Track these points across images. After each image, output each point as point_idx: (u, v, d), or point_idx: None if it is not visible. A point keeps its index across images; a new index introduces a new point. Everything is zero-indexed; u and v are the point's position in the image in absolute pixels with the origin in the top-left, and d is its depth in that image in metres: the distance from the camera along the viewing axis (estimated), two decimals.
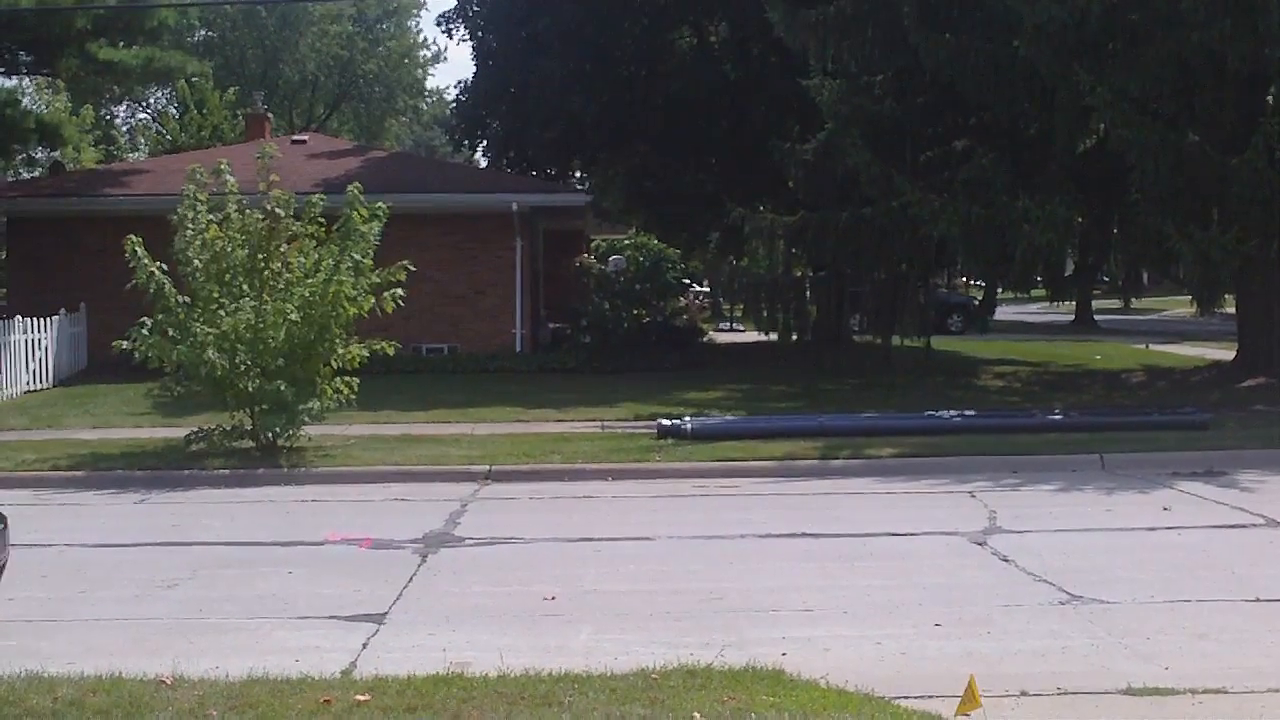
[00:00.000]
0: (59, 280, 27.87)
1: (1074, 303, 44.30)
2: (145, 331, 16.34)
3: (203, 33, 63.53)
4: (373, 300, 16.95)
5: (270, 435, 16.85)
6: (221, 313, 16.25)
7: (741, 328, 44.02)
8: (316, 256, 16.91)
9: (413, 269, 17.53)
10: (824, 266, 29.84)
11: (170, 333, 16.27)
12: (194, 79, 47.22)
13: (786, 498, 14.39)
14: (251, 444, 16.86)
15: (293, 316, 16.29)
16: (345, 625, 9.13)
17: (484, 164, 44.16)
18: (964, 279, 39.64)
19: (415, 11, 73.07)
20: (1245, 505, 13.36)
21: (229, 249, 16.66)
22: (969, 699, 6.96)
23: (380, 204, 17.51)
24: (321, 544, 12.05)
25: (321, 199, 17.66)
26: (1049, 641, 8.48)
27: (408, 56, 72.08)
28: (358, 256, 16.79)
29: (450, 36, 61.96)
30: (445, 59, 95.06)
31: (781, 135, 28.60)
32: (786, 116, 33.25)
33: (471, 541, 12.17)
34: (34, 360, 24.55)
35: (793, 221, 26.17)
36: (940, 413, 19.01)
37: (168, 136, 53.68)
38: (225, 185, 17.14)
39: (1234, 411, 19.46)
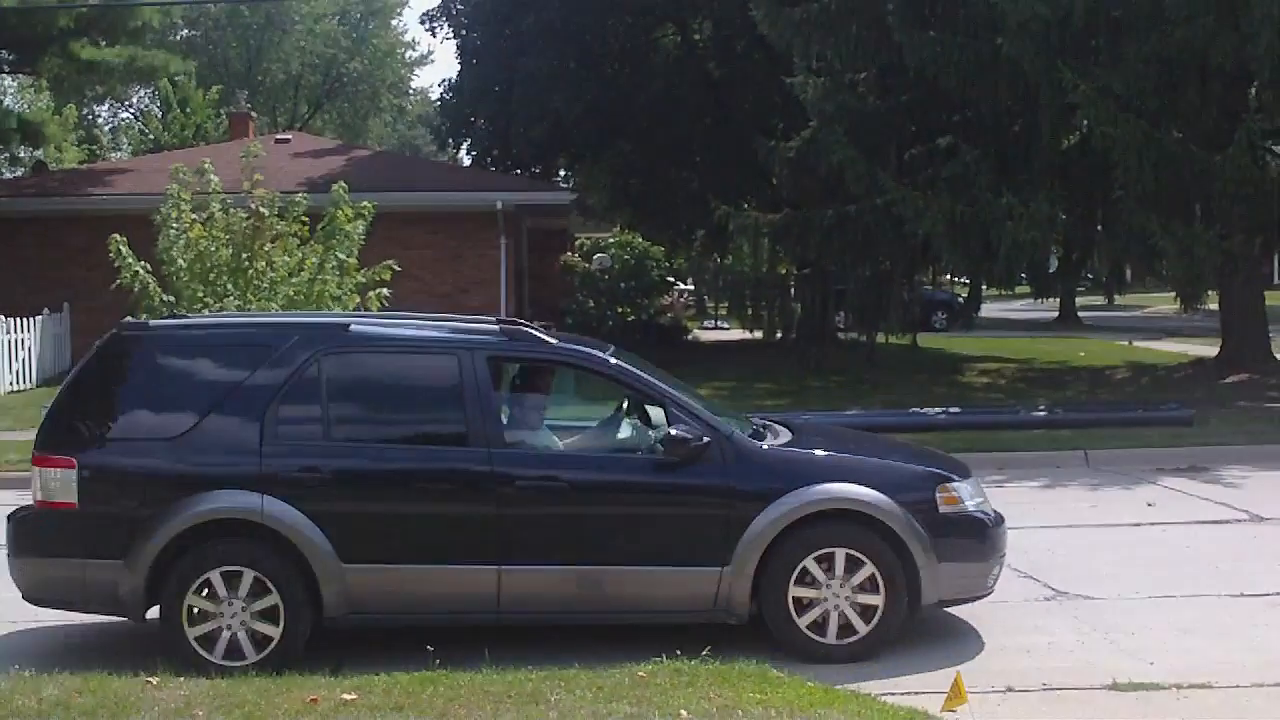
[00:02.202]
0: (42, 280, 27.75)
1: (1058, 300, 44.38)
2: None
3: (186, 32, 63.40)
4: (358, 299, 16.93)
5: None
6: (206, 312, 16.21)
7: (726, 325, 44.01)
8: (301, 256, 16.88)
9: (397, 269, 17.52)
10: (808, 264, 29.81)
11: None
12: (177, 78, 47.17)
13: None
14: None
15: None
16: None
17: (468, 162, 44.13)
18: (948, 276, 39.64)
19: (398, 10, 72.98)
20: (1229, 501, 13.41)
21: (213, 248, 16.61)
22: (955, 695, 7.00)
23: (365, 203, 17.50)
24: None
25: (306, 198, 17.65)
26: (1035, 637, 8.52)
27: (391, 56, 71.94)
28: (342, 256, 16.77)
29: (434, 35, 62.04)
30: (432, 61, 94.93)
31: (766, 133, 28.60)
32: (771, 114, 33.27)
33: None
34: (17, 360, 24.48)
35: (777, 219, 26.15)
36: (925, 410, 19.03)
37: (151, 136, 53.56)
38: (209, 184, 17.10)
39: (1217, 408, 19.52)
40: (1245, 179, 19.76)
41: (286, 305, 16.34)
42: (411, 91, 77.39)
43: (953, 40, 22.31)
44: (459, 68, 39.25)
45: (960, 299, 38.93)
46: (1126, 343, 34.01)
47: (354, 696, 6.89)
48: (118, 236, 16.57)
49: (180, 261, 16.49)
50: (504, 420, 8.44)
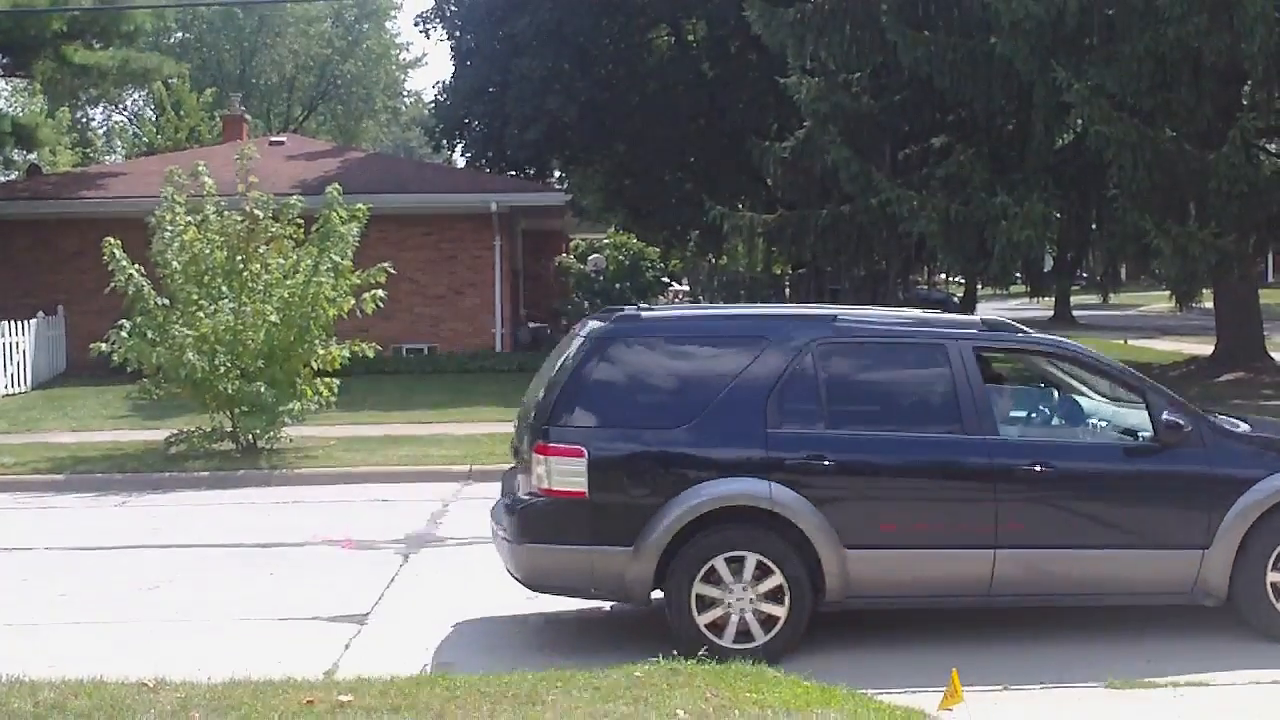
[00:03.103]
0: (36, 283, 27.76)
1: (1053, 299, 44.47)
2: (124, 334, 16.29)
3: (179, 34, 63.29)
4: (352, 301, 16.92)
5: (250, 437, 16.80)
6: (201, 314, 16.20)
7: None
8: (295, 258, 16.88)
9: (392, 271, 17.50)
10: (803, 264, 29.89)
11: (149, 335, 16.21)
12: (171, 81, 47.05)
13: None
14: (232, 446, 16.81)
15: (272, 318, 16.25)
16: (327, 626, 9.12)
17: (462, 164, 44.14)
18: (943, 276, 39.73)
19: (392, 13, 72.90)
20: None
21: (207, 251, 16.61)
22: (952, 693, 7.01)
23: (360, 205, 17.49)
24: (303, 545, 12.02)
25: (300, 200, 17.63)
26: (1031, 635, 8.51)
27: (385, 57, 71.87)
28: (337, 258, 16.75)
29: (428, 37, 61.87)
30: (426, 63, 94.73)
31: (760, 133, 28.62)
32: (765, 114, 33.29)
33: (454, 541, 12.16)
34: (11, 363, 24.43)
35: (772, 220, 26.18)
36: None
37: (144, 139, 53.51)
38: (203, 187, 17.10)
39: (1212, 406, 19.47)
40: (1239, 177, 19.78)
41: (281, 307, 16.35)
42: (405, 93, 77.40)
43: (946, 40, 22.34)
44: (453, 69, 39.30)
45: (955, 298, 38.99)
46: (1122, 341, 34.05)
47: (350, 698, 6.87)
48: (111, 240, 16.56)
49: (174, 264, 16.48)
50: (992, 410, 8.61)
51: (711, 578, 8.04)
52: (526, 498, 8.33)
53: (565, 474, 8.08)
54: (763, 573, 8.04)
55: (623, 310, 8.82)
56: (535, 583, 8.43)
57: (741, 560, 8.04)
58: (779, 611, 8.04)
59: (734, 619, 8.04)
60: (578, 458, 8.07)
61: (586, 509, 8.10)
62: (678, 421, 8.22)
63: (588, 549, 8.10)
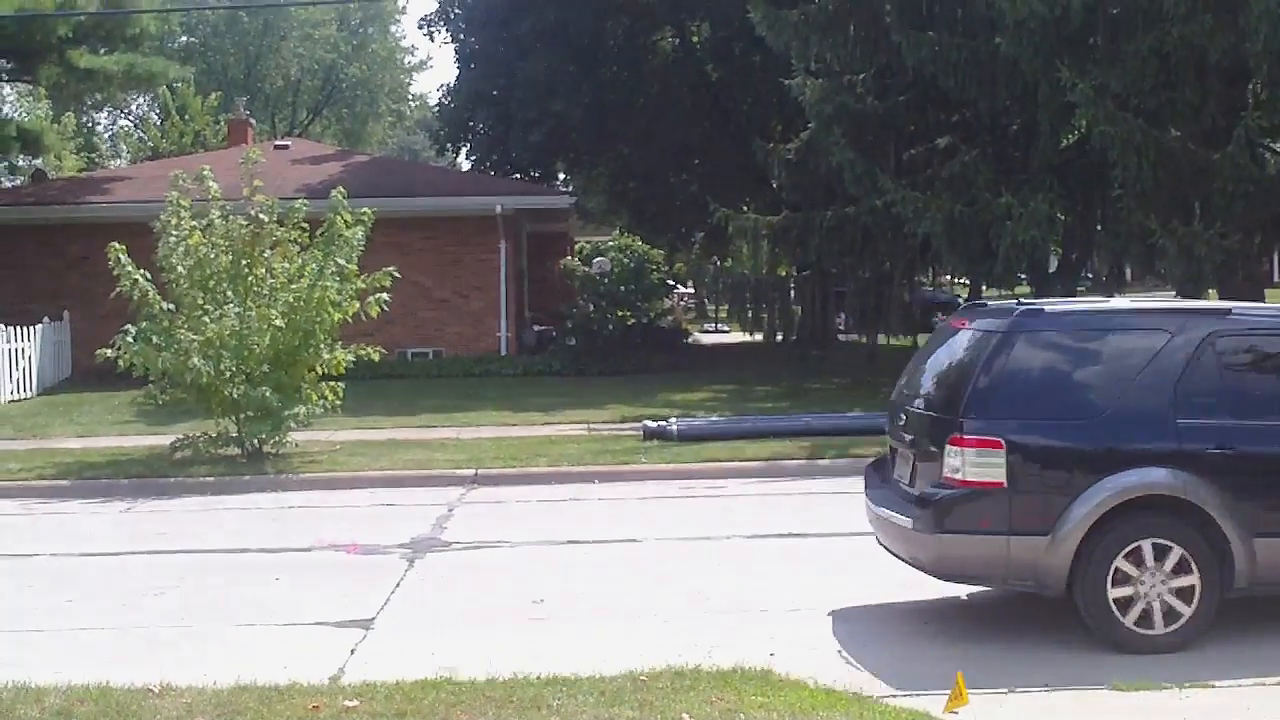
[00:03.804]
0: (42, 289, 27.79)
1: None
2: (129, 339, 16.30)
3: (184, 38, 63.36)
4: (357, 305, 16.92)
5: (256, 442, 16.80)
6: (206, 319, 16.21)
7: (726, 328, 44.04)
8: (300, 262, 16.89)
9: (397, 275, 17.50)
10: (808, 266, 29.80)
11: (154, 340, 16.22)
12: (176, 85, 47.11)
13: (773, 498, 14.40)
14: (237, 451, 16.81)
15: (277, 322, 16.26)
16: (333, 631, 9.12)
17: (467, 167, 44.15)
18: (949, 277, 39.66)
19: (397, 16, 72.94)
20: None
21: (212, 255, 16.62)
22: (957, 696, 7.01)
23: (364, 209, 17.49)
24: (308, 550, 12.03)
25: (305, 204, 17.64)
26: (1036, 638, 8.50)
27: (389, 61, 71.91)
28: (342, 261, 16.77)
29: (432, 39, 61.91)
30: (430, 66, 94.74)
31: (764, 135, 28.61)
32: (769, 116, 33.30)
33: (459, 546, 12.16)
34: (17, 369, 24.47)
35: (776, 221, 26.16)
36: None
37: (150, 143, 53.52)
38: (208, 191, 17.13)
39: None
40: (1244, 176, 19.75)
41: (286, 311, 16.36)
42: (410, 97, 77.37)
43: (951, 40, 22.32)
44: (457, 72, 39.31)
45: (961, 300, 38.91)
46: None
47: (356, 703, 6.88)
48: (116, 245, 16.58)
49: (180, 269, 16.50)
50: None
51: (1131, 557, 8.19)
52: (939, 489, 8.44)
53: (983, 465, 8.23)
54: (1181, 568, 8.17)
55: (1023, 305, 8.94)
56: (944, 571, 8.58)
57: (1168, 550, 8.18)
58: (1184, 609, 8.19)
59: (1139, 604, 8.18)
60: (996, 449, 8.21)
61: (1004, 499, 8.24)
62: (1090, 413, 8.39)
63: (1004, 539, 8.24)
